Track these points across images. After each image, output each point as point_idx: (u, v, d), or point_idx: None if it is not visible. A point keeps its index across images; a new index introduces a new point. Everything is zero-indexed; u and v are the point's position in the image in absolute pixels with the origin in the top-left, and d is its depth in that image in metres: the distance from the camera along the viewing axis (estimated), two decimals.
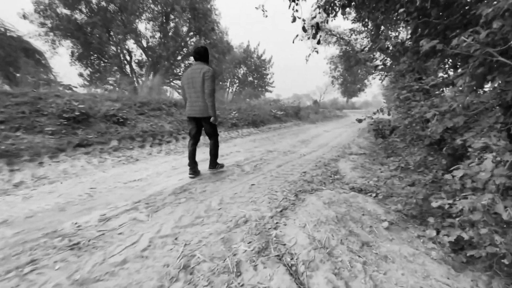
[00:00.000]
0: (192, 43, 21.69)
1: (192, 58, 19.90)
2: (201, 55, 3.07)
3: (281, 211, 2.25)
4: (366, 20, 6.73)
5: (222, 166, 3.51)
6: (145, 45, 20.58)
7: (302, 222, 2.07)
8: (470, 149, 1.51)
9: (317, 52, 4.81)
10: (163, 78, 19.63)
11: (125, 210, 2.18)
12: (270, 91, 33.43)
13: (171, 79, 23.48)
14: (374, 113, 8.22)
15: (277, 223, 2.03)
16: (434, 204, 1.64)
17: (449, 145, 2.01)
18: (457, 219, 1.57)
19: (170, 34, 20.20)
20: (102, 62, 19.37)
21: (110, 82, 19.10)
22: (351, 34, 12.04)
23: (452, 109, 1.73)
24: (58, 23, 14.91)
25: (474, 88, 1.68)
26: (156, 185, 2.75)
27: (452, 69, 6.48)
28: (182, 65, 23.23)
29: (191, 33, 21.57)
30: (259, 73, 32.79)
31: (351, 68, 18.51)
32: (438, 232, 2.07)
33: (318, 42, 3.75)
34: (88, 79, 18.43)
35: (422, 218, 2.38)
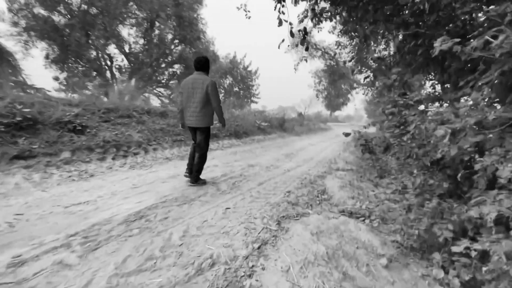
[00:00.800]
0: (177, 51, 21.27)
1: (176, 66, 19.19)
2: (202, 65, 3.08)
3: (259, 247, 1.79)
4: (353, 33, 6.65)
5: (204, 182, 3.26)
6: (127, 50, 19.87)
7: (286, 263, 1.63)
8: (501, 179, 1.17)
9: (306, 60, 4.55)
10: (140, 83, 18.86)
11: (52, 248, 1.63)
12: (256, 102, 33.40)
13: (154, 86, 22.75)
14: (365, 127, 8.02)
15: (252, 266, 1.57)
16: (457, 249, 1.27)
17: (466, 170, 1.68)
18: (485, 268, 1.20)
19: (154, 41, 19.69)
20: (79, 66, 18.37)
21: (89, 87, 18.11)
22: (338, 47, 12.15)
23: (468, 126, 1.40)
24: (34, 23, 13.97)
25: (496, 100, 1.39)
26: (105, 210, 2.20)
27: (439, 84, 6.45)
28: (166, 72, 22.66)
29: (176, 41, 21.20)
30: (245, 84, 32.80)
31: (335, 82, 18.83)
32: (445, 271, 1.72)
33: (307, 49, 3.46)
34: (65, 83, 17.30)
35: (423, 250, 2.03)
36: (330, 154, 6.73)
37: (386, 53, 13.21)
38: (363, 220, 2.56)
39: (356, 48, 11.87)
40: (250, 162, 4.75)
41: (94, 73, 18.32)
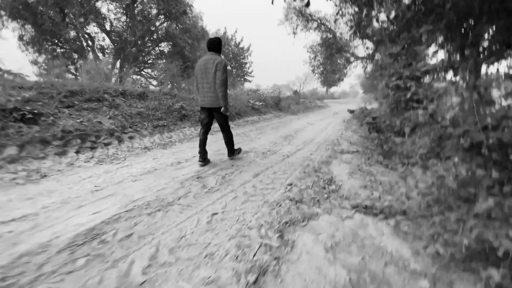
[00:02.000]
0: (163, 28, 19.80)
1: (163, 44, 17.87)
2: (215, 45, 3.10)
3: (255, 280, 1.26)
4: None
5: (240, 151, 3.64)
6: (108, 28, 18.36)
7: None
8: None
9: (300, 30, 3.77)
10: (125, 64, 17.63)
11: None
12: (250, 81, 32.19)
13: (141, 67, 21.43)
14: (376, 99, 7.36)
15: None
16: None
17: None
18: None
19: (138, 18, 18.17)
20: (57, 47, 16.96)
21: (72, 69, 16.85)
22: (337, 14, 11.11)
23: None
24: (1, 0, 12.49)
25: None
26: (45, 229, 1.62)
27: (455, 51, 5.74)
28: (153, 52, 21.26)
29: (161, 17, 19.66)
30: (237, 62, 31.38)
31: (332, 57, 17.80)
32: None
33: (307, 4, 2.73)
34: (45, 66, 15.98)
35: (468, 260, 1.56)
36: (332, 133, 6.16)
37: (391, 17, 12.24)
38: (384, 218, 2.06)
39: (356, 16, 10.87)
40: (243, 147, 4.16)
41: (76, 55, 16.99)
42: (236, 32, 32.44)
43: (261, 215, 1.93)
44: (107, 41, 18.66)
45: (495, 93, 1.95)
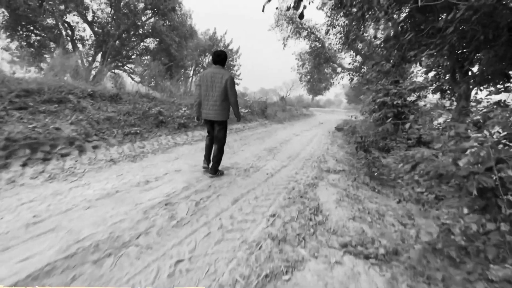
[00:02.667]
0: (150, 24, 19.06)
1: (148, 40, 17.02)
2: (222, 59, 3.13)
3: None
4: (348, 9, 5.71)
5: (222, 173, 3.38)
6: (90, 19, 17.33)
7: None
8: None
9: (289, 38, 3.52)
10: (107, 58, 16.71)
11: None
12: (237, 84, 31.88)
13: (124, 62, 20.45)
14: (355, 117, 7.27)
15: None
16: None
17: None
18: None
19: (124, 10, 17.31)
20: (33, 35, 15.74)
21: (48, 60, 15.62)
22: (329, 25, 11.08)
23: None
24: None
25: None
26: None
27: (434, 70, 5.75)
28: (138, 47, 20.37)
29: (148, 12, 18.95)
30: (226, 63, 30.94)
31: (320, 66, 17.94)
32: None
33: (301, 17, 2.47)
34: (18, 54, 14.67)
35: None
36: (317, 147, 5.97)
37: (381, 35, 12.46)
38: (377, 263, 1.82)
39: (346, 29, 10.93)
40: (224, 162, 3.82)
41: (53, 45, 15.82)
42: (225, 33, 32.08)
43: (236, 263, 1.60)
44: (88, 31, 17.60)
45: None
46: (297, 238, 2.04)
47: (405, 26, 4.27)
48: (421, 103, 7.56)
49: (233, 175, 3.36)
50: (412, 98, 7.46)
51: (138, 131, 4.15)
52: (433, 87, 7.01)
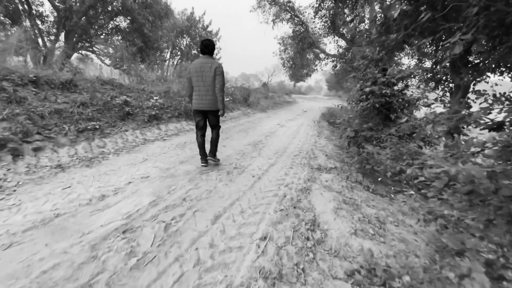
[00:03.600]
0: (119, 0, 17.16)
1: (119, 19, 15.30)
2: (210, 49, 3.14)
3: None
4: None
5: (219, 161, 3.48)
6: None
7: None
8: None
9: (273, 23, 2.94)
10: (71, 38, 14.93)
11: None
12: (222, 67, 30.47)
13: (92, 43, 18.40)
14: (341, 107, 7.02)
15: None
16: None
17: None
18: None
19: None
20: None
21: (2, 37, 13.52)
22: (316, 9, 10.44)
23: None
24: None
25: None
26: None
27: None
28: (107, 26, 18.40)
29: None
30: None
31: (303, 51, 17.38)
32: None
33: None
34: None
35: None
36: (305, 140, 5.59)
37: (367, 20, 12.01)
38: None
39: (332, 12, 10.37)
40: (202, 163, 3.29)
41: (8, 21, 13.71)
42: (204, 14, 30.22)
43: None
44: (48, 5, 15.46)
45: None
46: (295, 270, 1.63)
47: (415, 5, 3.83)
48: (409, 93, 7.41)
49: (214, 180, 2.85)
50: (399, 87, 7.26)
51: (98, 126, 3.43)
52: (421, 76, 6.81)
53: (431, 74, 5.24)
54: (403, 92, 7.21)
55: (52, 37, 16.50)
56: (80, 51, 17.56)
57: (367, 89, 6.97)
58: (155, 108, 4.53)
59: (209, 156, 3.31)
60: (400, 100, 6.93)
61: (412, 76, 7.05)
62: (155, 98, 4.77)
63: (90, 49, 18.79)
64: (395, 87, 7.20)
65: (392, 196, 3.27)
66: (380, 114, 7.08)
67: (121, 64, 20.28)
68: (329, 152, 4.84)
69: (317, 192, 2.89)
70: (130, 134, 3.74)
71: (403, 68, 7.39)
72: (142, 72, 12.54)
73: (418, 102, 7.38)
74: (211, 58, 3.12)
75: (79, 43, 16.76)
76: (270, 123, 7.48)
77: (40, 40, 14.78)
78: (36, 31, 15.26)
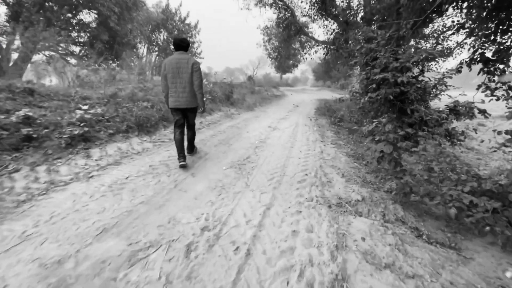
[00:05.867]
0: None
1: (83, 12, 13.27)
2: (186, 44, 3.11)
3: None
4: None
5: (196, 149, 3.59)
6: None
7: None
8: None
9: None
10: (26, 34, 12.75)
11: None
12: (199, 63, 28.57)
13: (57, 41, 16.05)
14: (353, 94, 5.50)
15: None
16: None
17: None
18: None
19: None
20: None
21: None
22: None
23: None
24: None
25: None
26: None
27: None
28: (72, 21, 16.22)
29: None
30: None
31: (290, 39, 15.86)
32: None
33: None
34: None
35: None
36: (307, 150, 4.17)
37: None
38: None
39: None
40: (151, 221, 1.81)
41: None
42: (180, 5, 28.05)
43: None
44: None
45: None
46: None
47: None
48: (425, 79, 6.11)
49: (177, 258, 1.38)
50: (414, 73, 5.94)
51: None
52: (451, 55, 5.51)
53: (481, 51, 3.86)
54: (418, 79, 5.86)
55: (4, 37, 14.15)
56: (42, 51, 15.34)
57: (377, 77, 5.58)
58: (82, 125, 2.93)
59: (188, 153, 3.27)
60: (417, 88, 5.60)
61: (433, 57, 5.74)
62: (84, 107, 3.15)
63: (53, 48, 16.50)
64: (409, 73, 5.84)
65: (457, 246, 1.95)
66: (393, 107, 5.72)
67: (88, 63, 17.97)
68: (344, 168, 3.45)
69: (360, 278, 1.49)
70: (23, 177, 2.17)
71: (420, 48, 6.01)
72: (113, 71, 10.68)
73: (435, 90, 6.06)
74: (187, 54, 3.05)
75: (40, 43, 14.46)
76: (260, 126, 6.00)
77: None
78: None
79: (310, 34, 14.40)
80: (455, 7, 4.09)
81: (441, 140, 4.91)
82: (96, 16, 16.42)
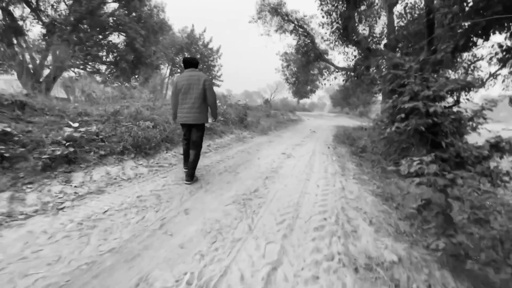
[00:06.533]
0: (112, 11, 16.27)
1: (113, 36, 14.18)
2: (196, 62, 3.18)
3: None
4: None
5: (197, 179, 3.23)
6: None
7: None
8: None
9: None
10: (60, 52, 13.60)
11: None
12: (218, 86, 29.38)
13: (86, 61, 17.10)
14: (377, 123, 4.93)
15: None
16: None
17: None
18: None
19: None
20: None
21: None
22: (322, 15, 8.82)
23: None
24: None
25: None
26: None
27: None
28: (103, 43, 17.33)
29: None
30: (205, 63, 28.52)
31: (308, 65, 15.77)
32: None
33: None
34: None
35: None
36: (325, 184, 3.58)
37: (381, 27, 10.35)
38: None
39: (345, 15, 8.73)
40: (114, 283, 1.32)
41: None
42: (204, 31, 29.64)
43: None
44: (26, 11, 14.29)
45: None
46: None
47: None
48: (461, 110, 5.46)
49: None
50: (448, 103, 5.33)
51: None
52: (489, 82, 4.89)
53: None
54: (452, 110, 5.22)
55: (39, 55, 15.19)
56: (72, 69, 16.34)
57: (406, 106, 5.02)
58: (67, 144, 2.59)
59: (186, 181, 3.00)
60: (451, 120, 4.95)
61: (471, 87, 5.15)
62: (74, 125, 2.85)
63: (82, 67, 17.55)
64: (442, 103, 5.23)
65: None
66: (423, 139, 5.04)
67: (111, 81, 18.76)
68: (371, 212, 2.82)
69: None
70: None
71: (454, 78, 5.44)
72: (125, 88, 10.93)
73: (471, 123, 5.34)
74: (197, 71, 3.08)
75: (70, 61, 15.39)
76: (273, 152, 5.52)
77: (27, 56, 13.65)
78: (24, 43, 14.09)
79: (330, 61, 14.24)
80: (502, 31, 3.59)
81: (481, 181, 4.17)
82: (124, 37, 17.43)
